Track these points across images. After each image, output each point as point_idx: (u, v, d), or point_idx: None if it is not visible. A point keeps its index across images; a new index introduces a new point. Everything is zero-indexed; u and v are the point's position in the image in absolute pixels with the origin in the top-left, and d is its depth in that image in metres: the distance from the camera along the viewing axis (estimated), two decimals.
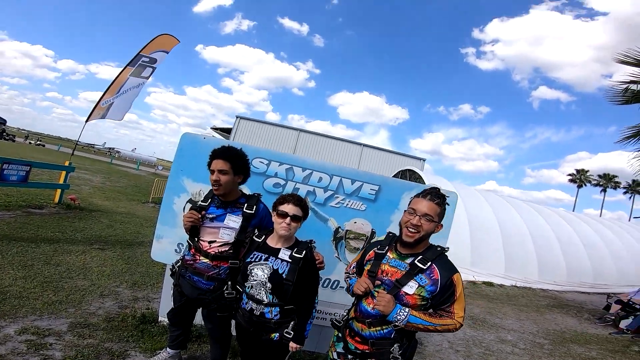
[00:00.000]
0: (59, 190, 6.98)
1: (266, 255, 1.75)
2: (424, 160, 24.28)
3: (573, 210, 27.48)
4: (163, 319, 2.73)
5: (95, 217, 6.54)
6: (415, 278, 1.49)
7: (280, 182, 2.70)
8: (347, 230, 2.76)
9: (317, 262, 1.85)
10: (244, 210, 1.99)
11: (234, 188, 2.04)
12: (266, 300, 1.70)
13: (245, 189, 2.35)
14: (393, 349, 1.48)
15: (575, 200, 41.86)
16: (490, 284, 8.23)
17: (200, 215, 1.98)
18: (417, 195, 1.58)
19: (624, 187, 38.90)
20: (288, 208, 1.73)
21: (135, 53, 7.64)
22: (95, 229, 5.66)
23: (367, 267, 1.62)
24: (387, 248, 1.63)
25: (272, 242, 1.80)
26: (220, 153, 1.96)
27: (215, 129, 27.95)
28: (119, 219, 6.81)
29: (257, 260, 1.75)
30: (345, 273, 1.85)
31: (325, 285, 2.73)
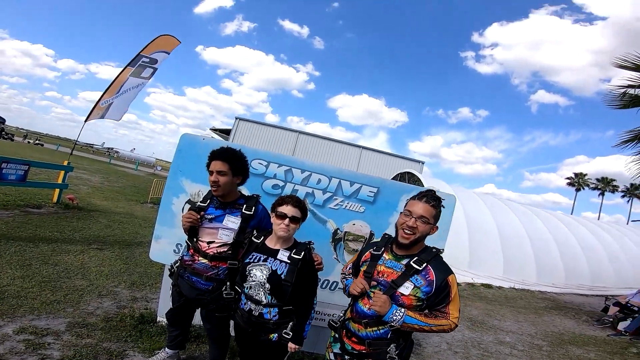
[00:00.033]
0: (57, 190, 6.97)
1: (265, 256, 1.76)
2: (423, 163, 24.35)
3: (571, 214, 27.56)
4: (161, 319, 2.73)
5: (93, 217, 6.53)
6: (410, 279, 1.51)
7: (279, 184, 2.71)
8: (345, 232, 2.77)
9: (315, 263, 1.85)
10: (243, 211, 1.99)
11: (232, 189, 2.04)
12: (265, 301, 1.71)
13: (244, 190, 2.37)
14: (390, 349, 1.50)
15: (574, 203, 42.08)
16: (488, 286, 8.24)
17: (199, 216, 1.99)
18: (413, 198, 1.60)
19: (622, 191, 39.07)
20: (287, 209, 1.74)
21: (136, 53, 7.65)
22: (93, 229, 5.65)
23: (364, 268, 1.64)
24: (383, 249, 1.65)
25: (270, 243, 1.81)
26: (219, 154, 1.97)
27: (215, 130, 27.97)
28: (118, 219, 6.80)
29: (255, 261, 1.75)
30: (342, 274, 1.86)
31: (324, 286, 2.74)
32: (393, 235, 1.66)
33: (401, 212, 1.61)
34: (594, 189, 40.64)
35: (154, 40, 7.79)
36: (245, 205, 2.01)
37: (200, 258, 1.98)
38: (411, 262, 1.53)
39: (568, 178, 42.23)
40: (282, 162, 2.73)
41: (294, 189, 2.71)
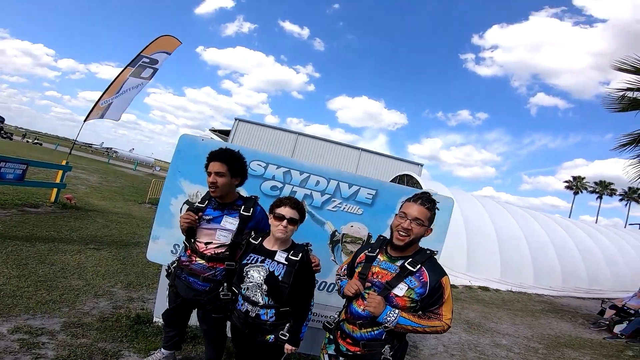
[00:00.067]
0: (55, 190, 6.95)
1: (262, 257, 1.76)
2: (422, 165, 24.42)
3: (569, 217, 27.64)
4: (158, 319, 2.72)
5: (91, 216, 6.51)
6: (405, 280, 1.52)
7: (278, 185, 2.72)
8: (343, 234, 2.78)
9: (313, 265, 1.86)
10: (241, 212, 1.99)
11: (231, 190, 2.05)
12: (262, 302, 1.71)
13: (243, 191, 2.37)
14: (384, 350, 1.51)
15: (572, 206, 42.19)
16: (486, 289, 8.25)
17: (196, 217, 1.99)
18: (409, 200, 1.62)
19: (620, 194, 39.23)
20: (285, 211, 1.74)
21: (136, 54, 7.65)
22: (91, 228, 5.63)
23: (358, 270, 1.65)
24: (377, 251, 1.66)
25: (268, 244, 1.81)
26: (218, 155, 1.97)
27: (214, 130, 27.98)
28: (115, 219, 6.78)
29: (253, 262, 1.76)
30: (337, 275, 1.87)
31: (321, 288, 2.74)
32: (388, 237, 1.67)
33: (396, 214, 1.62)
34: (592, 192, 40.80)
35: (154, 40, 7.78)
36: (243, 207, 2.01)
37: (197, 259, 1.98)
38: (405, 264, 1.54)
39: (566, 181, 42.45)
40: (280, 164, 2.74)
41: (293, 190, 2.71)
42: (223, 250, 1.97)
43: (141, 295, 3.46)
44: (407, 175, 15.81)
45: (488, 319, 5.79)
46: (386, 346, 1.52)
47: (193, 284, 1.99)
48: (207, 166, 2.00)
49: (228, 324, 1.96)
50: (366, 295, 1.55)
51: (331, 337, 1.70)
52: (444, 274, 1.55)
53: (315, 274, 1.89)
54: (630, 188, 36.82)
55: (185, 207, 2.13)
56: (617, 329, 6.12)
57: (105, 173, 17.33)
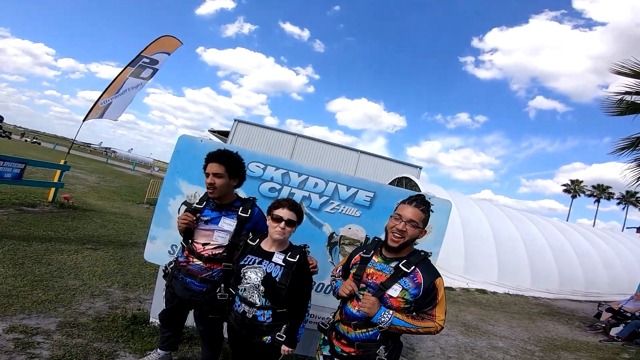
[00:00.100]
0: (53, 189, 6.93)
1: (260, 259, 1.77)
2: (421, 168, 24.48)
3: (567, 220, 27.74)
4: (154, 320, 2.72)
5: (88, 216, 6.49)
6: (399, 281, 1.53)
7: (276, 187, 2.72)
8: (341, 236, 2.78)
9: (310, 267, 1.86)
10: (239, 213, 2.00)
11: (229, 191, 2.05)
12: (259, 303, 1.71)
13: (241, 192, 2.37)
14: (379, 351, 1.52)
15: (569, 210, 42.36)
16: (483, 292, 8.27)
17: (194, 218, 1.99)
18: (403, 202, 1.63)
19: (618, 198, 39.43)
20: (283, 212, 1.75)
21: (137, 54, 7.65)
22: (88, 228, 5.61)
23: (353, 271, 1.66)
24: (372, 252, 1.67)
25: (266, 245, 1.82)
26: (216, 156, 1.98)
27: (213, 131, 27.96)
28: (113, 219, 6.76)
29: (250, 263, 1.76)
30: (332, 276, 1.88)
31: (318, 289, 2.74)
32: (383, 238, 1.68)
33: (391, 216, 1.64)
34: (589, 195, 41.01)
35: (155, 40, 7.78)
36: (241, 208, 2.02)
37: (194, 260, 1.98)
38: (400, 265, 1.56)
39: (564, 185, 42.64)
40: (279, 165, 2.74)
41: (291, 192, 2.72)
42: (221, 252, 1.97)
43: (138, 296, 3.45)
44: (405, 177, 15.85)
45: (485, 321, 5.79)
46: (381, 347, 1.53)
47: (190, 285, 1.99)
48: (205, 167, 2.00)
49: (225, 325, 1.96)
50: (361, 296, 1.56)
51: (326, 338, 1.71)
52: (437, 275, 1.57)
53: (313, 276, 1.89)
54: (627, 192, 37.04)
55: (184, 207, 2.13)
56: (614, 331, 6.14)
57: (104, 173, 17.28)
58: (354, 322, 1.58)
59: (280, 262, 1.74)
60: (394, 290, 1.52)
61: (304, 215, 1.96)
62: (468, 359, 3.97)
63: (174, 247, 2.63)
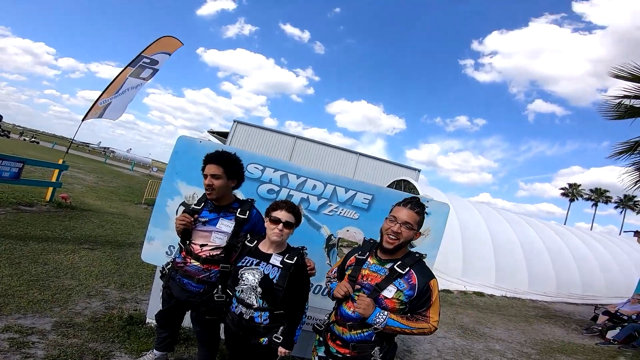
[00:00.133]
0: (50, 188, 6.90)
1: (257, 260, 1.77)
2: (419, 171, 24.52)
3: (564, 224, 27.86)
4: (151, 320, 2.71)
5: (86, 216, 6.47)
6: (394, 282, 1.54)
7: (275, 189, 2.73)
8: (339, 238, 2.78)
9: (308, 269, 1.87)
10: (237, 215, 2.00)
11: (227, 192, 2.05)
12: (256, 305, 1.71)
13: (239, 194, 2.38)
14: (374, 352, 1.53)
15: (567, 213, 42.54)
16: (480, 294, 8.27)
17: (192, 219, 1.99)
18: (398, 204, 1.65)
19: (615, 202, 39.64)
20: (281, 214, 1.76)
21: (137, 54, 7.65)
22: (85, 228, 5.59)
23: (348, 272, 1.68)
24: (367, 254, 1.69)
25: (264, 247, 1.82)
26: (213, 158, 1.99)
27: (212, 132, 27.95)
28: (110, 219, 6.74)
29: (248, 264, 1.76)
30: (327, 277, 1.89)
31: (316, 291, 2.74)
32: (378, 240, 1.70)
33: (386, 218, 1.66)
34: (587, 199, 41.18)
35: (156, 41, 7.77)
36: (239, 209, 2.02)
37: (192, 261, 1.98)
38: (395, 266, 1.57)
39: (562, 188, 42.86)
40: (278, 167, 2.75)
41: (289, 194, 2.72)
42: (218, 253, 1.97)
43: (134, 296, 3.44)
44: (404, 180, 15.88)
45: (482, 324, 5.80)
46: (376, 348, 1.54)
47: (187, 286, 1.99)
48: (203, 169, 2.00)
49: (222, 326, 1.96)
50: (356, 297, 1.57)
51: (321, 339, 1.72)
52: (432, 276, 1.58)
53: (311, 278, 1.90)
54: (625, 196, 37.21)
55: (182, 208, 2.14)
56: (610, 334, 6.17)
57: (102, 173, 17.23)
58: (349, 323, 1.59)
59: (278, 263, 1.74)
60: (389, 292, 1.53)
61: (302, 217, 1.97)
62: None
63: (172, 247, 2.63)
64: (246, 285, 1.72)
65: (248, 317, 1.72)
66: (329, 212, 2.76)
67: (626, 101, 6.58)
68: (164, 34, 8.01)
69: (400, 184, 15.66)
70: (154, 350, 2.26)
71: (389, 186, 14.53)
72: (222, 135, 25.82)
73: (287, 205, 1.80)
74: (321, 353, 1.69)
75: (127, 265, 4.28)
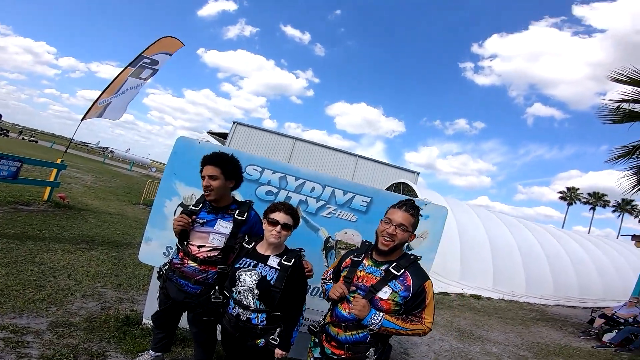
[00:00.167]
0: (48, 188, 6.88)
1: (255, 262, 1.77)
2: (418, 173, 24.48)
3: (562, 227, 27.90)
4: (147, 321, 2.70)
5: (83, 216, 6.45)
6: (389, 284, 1.56)
7: (273, 190, 2.73)
8: (337, 240, 2.78)
9: (305, 271, 1.87)
10: (235, 216, 2.00)
11: (225, 193, 2.06)
12: (253, 306, 1.72)
13: (238, 195, 2.38)
14: (368, 353, 1.54)
15: (565, 217, 42.70)
16: (478, 297, 8.28)
17: (190, 220, 1.99)
18: (393, 206, 1.67)
19: (613, 206, 39.79)
20: (279, 216, 1.76)
21: (137, 54, 7.65)
22: (82, 228, 5.58)
23: (344, 274, 1.69)
24: (363, 256, 1.70)
25: (261, 249, 1.82)
26: (210, 159, 2.00)
27: (212, 133, 27.90)
28: (108, 219, 6.72)
29: (245, 266, 1.77)
30: (322, 279, 1.90)
31: (313, 293, 2.74)
32: (374, 242, 1.71)
33: (381, 220, 1.67)
34: (585, 203, 41.35)
35: (157, 41, 7.76)
36: (237, 211, 2.02)
37: (189, 261, 1.98)
38: (390, 268, 1.59)
39: (560, 192, 43.02)
40: (276, 169, 2.75)
41: (288, 196, 2.73)
42: (216, 254, 1.97)
43: (131, 297, 3.43)
44: (403, 183, 15.88)
45: (479, 327, 5.80)
46: (370, 349, 1.55)
47: (184, 287, 1.99)
48: (201, 171, 2.01)
49: (218, 327, 1.96)
50: (351, 299, 1.59)
51: (316, 340, 1.73)
52: (427, 278, 1.60)
53: (308, 280, 1.90)
54: (623, 200, 37.42)
55: (180, 209, 2.14)
56: (606, 337, 6.19)
57: (100, 173, 17.17)
58: (344, 324, 1.60)
59: (276, 265, 1.74)
60: (384, 293, 1.55)
61: (300, 219, 1.97)
62: None
63: (169, 248, 2.62)
64: (243, 286, 1.72)
65: (245, 318, 1.73)
66: (327, 214, 2.77)
67: (625, 105, 6.52)
68: (164, 34, 8.01)
69: (399, 187, 15.68)
70: (150, 351, 2.25)
71: (387, 189, 14.55)
72: (222, 136, 25.79)
73: (285, 207, 1.81)
74: (316, 354, 1.70)
75: (124, 266, 4.27)
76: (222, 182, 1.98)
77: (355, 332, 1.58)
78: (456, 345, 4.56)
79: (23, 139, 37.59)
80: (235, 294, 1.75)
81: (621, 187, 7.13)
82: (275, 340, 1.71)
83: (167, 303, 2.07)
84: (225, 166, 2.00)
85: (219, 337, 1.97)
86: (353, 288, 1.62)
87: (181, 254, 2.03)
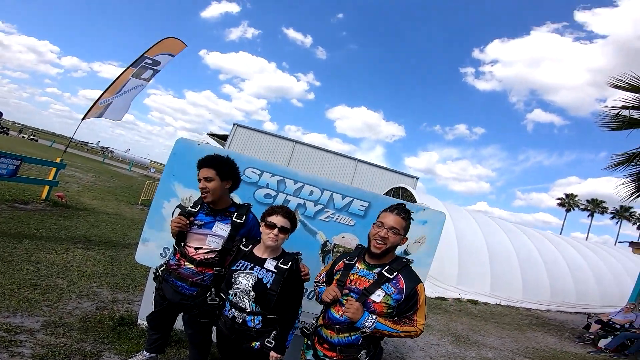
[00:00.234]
0: (47, 187, 6.87)
1: (252, 265, 1.78)
2: (417, 178, 24.50)
3: (560, 234, 27.92)
4: (142, 322, 2.70)
5: (81, 216, 6.44)
6: (382, 287, 1.58)
7: (272, 193, 2.73)
8: (334, 244, 2.78)
9: (302, 274, 1.87)
10: (233, 219, 2.01)
11: (223, 194, 2.06)
12: (249, 309, 1.72)
13: (236, 198, 2.39)
14: (360, 355, 1.56)
15: (563, 223, 42.74)
16: (475, 302, 8.27)
17: (187, 221, 2.00)
18: (385, 210, 1.69)
19: (611, 213, 39.89)
20: (276, 219, 1.77)
21: (140, 54, 7.68)
22: (80, 228, 5.56)
23: (337, 277, 1.70)
24: (355, 259, 1.72)
25: (258, 251, 1.83)
26: (205, 162, 2.01)
27: (212, 135, 27.91)
28: (106, 219, 6.70)
29: (242, 268, 1.77)
30: (315, 282, 1.92)
31: (310, 297, 2.73)
32: (366, 246, 1.73)
33: (373, 224, 1.69)
34: (583, 210, 41.44)
35: (159, 42, 7.79)
36: (236, 214, 2.03)
37: (186, 263, 1.98)
38: (383, 271, 1.60)
39: (559, 199, 43.15)
40: (275, 172, 2.76)
41: (286, 199, 2.73)
42: (213, 256, 1.97)
43: (127, 297, 3.42)
44: (402, 187, 15.90)
45: (476, 331, 5.79)
46: (362, 351, 1.57)
47: (180, 288, 1.99)
48: (198, 175, 2.02)
49: (214, 329, 1.95)
50: (344, 302, 1.60)
51: (309, 342, 1.74)
52: (419, 281, 1.62)
53: (305, 283, 1.90)
54: (621, 206, 37.50)
55: (178, 211, 2.14)
56: (602, 343, 6.19)
57: (99, 172, 17.15)
58: (337, 327, 1.61)
59: (272, 268, 1.75)
60: (377, 296, 1.56)
61: (298, 223, 1.98)
62: None
63: (166, 249, 2.62)
64: (240, 289, 1.73)
65: (241, 320, 1.72)
66: (325, 218, 2.77)
67: (624, 112, 6.47)
68: (167, 35, 8.07)
69: (398, 192, 15.69)
70: (144, 352, 2.24)
71: (386, 193, 14.57)
72: (222, 138, 25.79)
73: (283, 210, 1.82)
74: (309, 357, 1.71)
75: (120, 266, 4.25)
76: (217, 184, 1.99)
77: (347, 335, 1.59)
78: (452, 350, 4.55)
79: (23, 137, 37.56)
80: (232, 296, 1.75)
81: (619, 194, 7.13)
82: (271, 343, 1.71)
83: (163, 304, 2.06)
84: (220, 167, 2.01)
85: (214, 339, 1.97)
86: (346, 291, 1.64)
87: (178, 255, 2.03)
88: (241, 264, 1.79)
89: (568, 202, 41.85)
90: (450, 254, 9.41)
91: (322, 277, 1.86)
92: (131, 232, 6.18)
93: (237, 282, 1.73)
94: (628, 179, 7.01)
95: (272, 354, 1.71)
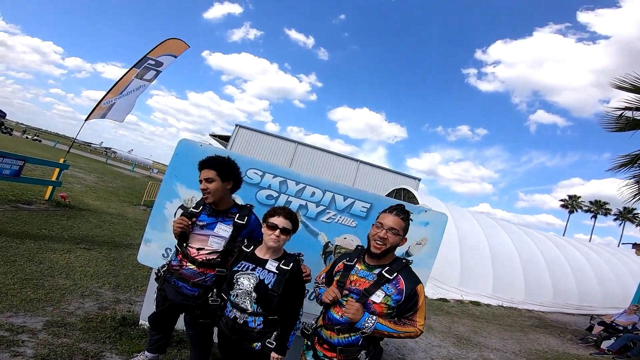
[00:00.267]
0: (50, 187, 6.91)
1: (253, 265, 1.78)
2: (419, 180, 24.45)
3: (563, 235, 27.77)
4: (144, 322, 2.70)
5: (84, 216, 6.47)
6: (382, 287, 1.58)
7: (273, 194, 2.73)
8: (336, 246, 2.78)
9: (304, 275, 1.88)
10: (235, 220, 2.01)
11: (224, 195, 2.06)
12: (250, 310, 1.72)
13: (238, 199, 2.39)
14: (360, 356, 1.56)
15: (566, 225, 42.51)
16: (477, 304, 8.23)
17: (190, 222, 2.00)
18: (384, 211, 1.70)
19: (615, 214, 39.63)
20: (278, 220, 1.77)
21: (143, 55, 7.71)
22: (82, 228, 5.59)
23: (337, 278, 1.71)
24: (355, 260, 1.72)
25: (260, 252, 1.83)
26: (205, 163, 2.02)
27: (214, 136, 28.02)
28: (108, 220, 6.73)
29: (244, 269, 1.78)
30: (315, 283, 1.92)
31: (311, 298, 2.73)
32: (366, 247, 1.73)
33: (373, 224, 1.70)
34: (587, 211, 41.20)
35: (162, 43, 7.80)
36: (238, 215, 2.03)
37: (188, 264, 1.99)
38: (383, 272, 1.61)
39: (562, 200, 42.89)
40: (277, 173, 2.76)
41: (288, 200, 2.73)
42: (215, 257, 1.98)
43: (129, 298, 3.43)
44: (404, 189, 15.87)
45: (477, 333, 5.76)
46: (362, 352, 1.57)
47: (182, 289, 1.99)
48: (199, 176, 2.03)
49: (215, 329, 1.96)
50: (344, 302, 1.60)
51: (309, 343, 1.75)
52: (418, 282, 1.62)
53: (307, 284, 1.91)
54: (625, 208, 37.27)
55: (180, 211, 2.15)
56: (605, 344, 6.15)
57: (102, 173, 17.23)
58: (337, 327, 1.61)
59: (274, 269, 1.75)
60: (377, 296, 1.57)
61: (300, 224, 1.98)
62: None
63: (168, 250, 2.63)
64: (241, 289, 1.73)
65: (242, 321, 1.73)
66: (326, 219, 2.77)
67: (628, 113, 6.43)
68: (170, 36, 8.08)
69: (400, 193, 15.66)
70: (145, 352, 2.25)
71: (388, 195, 14.54)
72: (224, 139, 25.87)
73: (285, 211, 1.82)
74: (309, 357, 1.71)
75: (122, 267, 4.27)
76: (218, 184, 2.00)
77: (347, 335, 1.60)
78: (454, 351, 4.52)
79: (27, 137, 37.84)
80: (233, 297, 1.75)
81: (623, 196, 7.08)
82: (272, 344, 1.71)
83: (165, 305, 2.07)
84: (221, 168, 2.01)
85: (216, 340, 1.97)
86: (346, 292, 1.64)
87: (180, 256, 2.03)
88: (243, 265, 1.79)
89: (571, 204, 41.60)
90: (452, 256, 9.38)
91: (322, 278, 1.87)
92: (133, 233, 6.21)
93: (239, 283, 1.74)
94: (631, 180, 6.96)
95: (273, 354, 1.71)
